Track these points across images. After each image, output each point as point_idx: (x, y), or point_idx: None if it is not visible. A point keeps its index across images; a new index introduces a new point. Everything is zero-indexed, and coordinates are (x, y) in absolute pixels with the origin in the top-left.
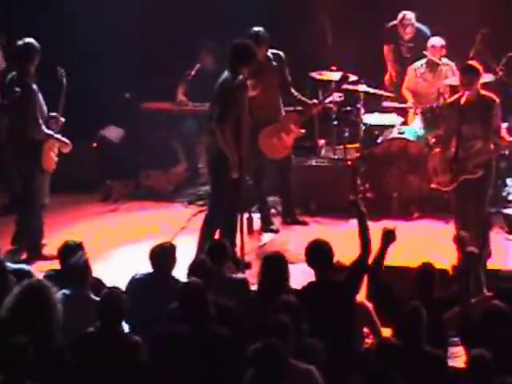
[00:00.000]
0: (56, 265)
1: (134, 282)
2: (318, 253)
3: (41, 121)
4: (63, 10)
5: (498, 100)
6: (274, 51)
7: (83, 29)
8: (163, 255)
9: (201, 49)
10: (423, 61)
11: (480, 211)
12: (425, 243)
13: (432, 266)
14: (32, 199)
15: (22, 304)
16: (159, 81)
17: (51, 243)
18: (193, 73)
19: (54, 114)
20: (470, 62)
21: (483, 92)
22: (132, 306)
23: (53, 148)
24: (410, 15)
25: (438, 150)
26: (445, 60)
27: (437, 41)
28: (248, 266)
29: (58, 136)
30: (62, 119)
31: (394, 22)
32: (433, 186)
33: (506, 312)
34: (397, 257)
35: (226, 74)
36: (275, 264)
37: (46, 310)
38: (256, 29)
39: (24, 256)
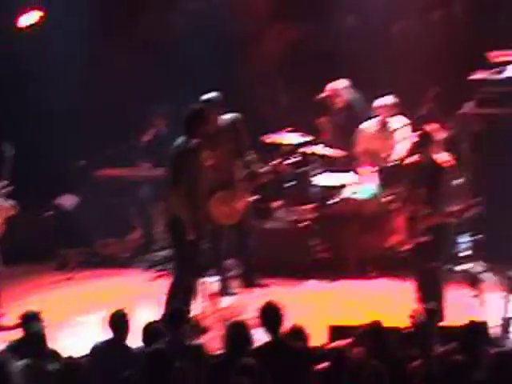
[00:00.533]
0: (12, 335)
1: (94, 350)
2: (268, 314)
3: None
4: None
5: (449, 166)
6: (231, 115)
7: (34, 97)
8: (117, 322)
9: (154, 114)
10: (374, 120)
11: (435, 273)
12: (382, 302)
13: (380, 323)
14: None
15: None
16: (112, 147)
17: (8, 313)
18: (147, 138)
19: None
20: (425, 129)
21: (436, 157)
22: (94, 372)
23: None
24: (336, 85)
25: (396, 208)
26: (396, 118)
27: (388, 100)
28: (205, 330)
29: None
30: (9, 188)
31: (324, 94)
32: (390, 244)
33: (467, 364)
34: (353, 316)
35: (181, 138)
36: (238, 331)
37: (8, 382)
38: (210, 94)
39: None
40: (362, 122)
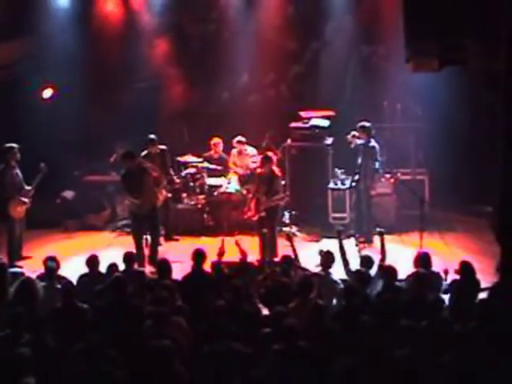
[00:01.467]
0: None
1: (79, 279)
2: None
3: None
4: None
5: (280, 175)
6: (160, 146)
7: (42, 132)
8: (91, 262)
9: (117, 145)
10: (235, 150)
11: (272, 233)
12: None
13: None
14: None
15: (21, 290)
16: (95, 161)
17: (33, 255)
18: (112, 159)
19: (28, 187)
20: (267, 153)
21: (274, 168)
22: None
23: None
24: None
25: (250, 197)
26: (249, 148)
27: (242, 138)
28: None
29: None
30: (32, 191)
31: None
32: (245, 216)
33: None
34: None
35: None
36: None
37: (35, 293)
38: (150, 136)
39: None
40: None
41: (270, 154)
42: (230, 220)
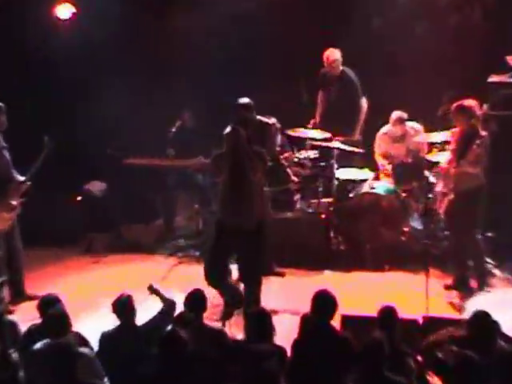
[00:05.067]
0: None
1: (103, 339)
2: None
3: None
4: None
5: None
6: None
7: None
8: (123, 307)
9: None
10: (388, 127)
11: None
12: (395, 295)
13: (393, 308)
14: None
15: None
16: (143, 137)
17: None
18: (173, 130)
19: (22, 178)
20: (463, 104)
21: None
22: (106, 360)
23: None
24: (332, 53)
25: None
26: (410, 123)
27: (399, 115)
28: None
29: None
30: (28, 183)
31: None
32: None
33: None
34: (368, 308)
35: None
36: (260, 319)
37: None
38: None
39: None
40: (353, 101)
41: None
42: (376, 241)
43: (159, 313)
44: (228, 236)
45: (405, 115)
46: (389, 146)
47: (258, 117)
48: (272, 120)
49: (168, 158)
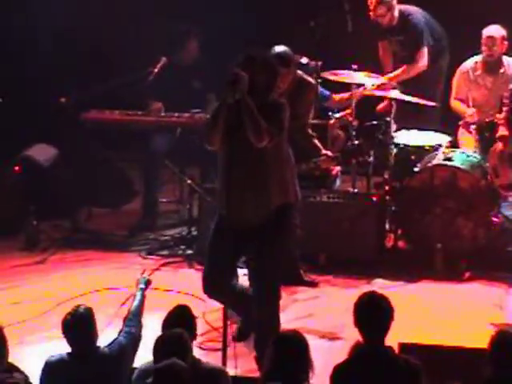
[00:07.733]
0: None
1: (49, 367)
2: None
3: None
4: None
5: None
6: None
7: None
8: (77, 326)
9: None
10: (476, 59)
11: None
12: (477, 315)
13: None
14: None
15: None
16: (108, 82)
17: None
18: (156, 70)
19: None
20: None
21: None
22: None
23: None
24: None
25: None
26: (506, 58)
27: (495, 31)
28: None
29: None
30: None
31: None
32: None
33: None
34: (440, 332)
35: None
36: (292, 350)
37: None
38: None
39: None
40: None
41: None
42: (452, 237)
43: (125, 332)
44: (233, 233)
45: (500, 32)
46: (472, 90)
47: (299, 72)
48: (304, 59)
49: (150, 112)
